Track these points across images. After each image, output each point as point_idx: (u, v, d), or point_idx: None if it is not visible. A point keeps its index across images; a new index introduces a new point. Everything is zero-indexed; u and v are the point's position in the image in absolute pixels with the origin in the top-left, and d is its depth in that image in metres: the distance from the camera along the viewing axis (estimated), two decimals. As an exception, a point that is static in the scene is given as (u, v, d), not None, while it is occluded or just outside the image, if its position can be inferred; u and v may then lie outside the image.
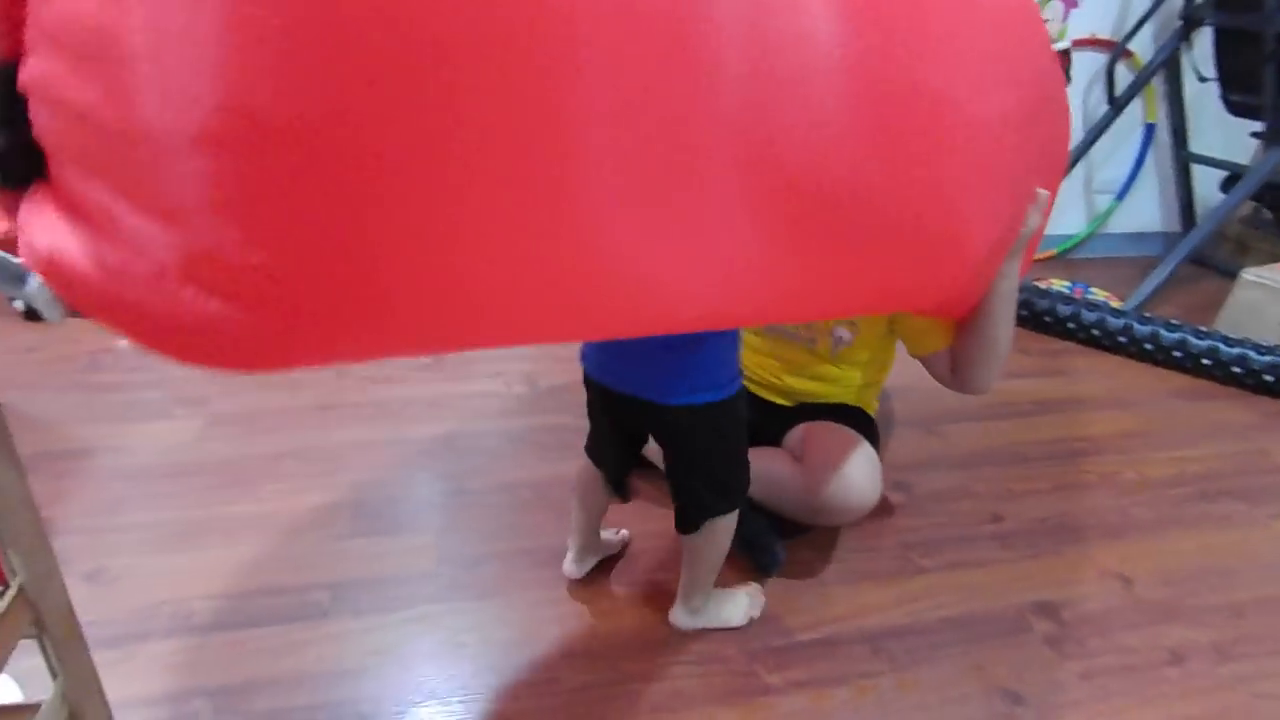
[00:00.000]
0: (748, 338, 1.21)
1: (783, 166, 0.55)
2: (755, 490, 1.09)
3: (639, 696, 0.87)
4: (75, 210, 0.44)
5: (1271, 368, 1.61)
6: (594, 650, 0.92)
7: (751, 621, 0.97)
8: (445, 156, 0.42)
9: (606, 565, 1.05)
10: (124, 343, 1.66)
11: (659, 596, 1.00)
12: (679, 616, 0.95)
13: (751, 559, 1.05)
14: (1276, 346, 1.64)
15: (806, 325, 1.11)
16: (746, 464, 0.88)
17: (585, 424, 0.94)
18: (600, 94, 0.44)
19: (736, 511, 0.89)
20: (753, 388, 1.20)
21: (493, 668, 0.89)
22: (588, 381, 0.87)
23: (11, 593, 0.55)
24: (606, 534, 1.06)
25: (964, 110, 0.65)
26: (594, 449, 0.95)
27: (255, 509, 1.13)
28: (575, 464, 0.97)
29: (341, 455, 1.26)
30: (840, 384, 1.14)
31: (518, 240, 0.47)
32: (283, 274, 0.42)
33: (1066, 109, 0.90)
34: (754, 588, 1.01)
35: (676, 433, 0.84)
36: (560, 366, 1.56)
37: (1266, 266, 1.86)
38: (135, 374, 1.46)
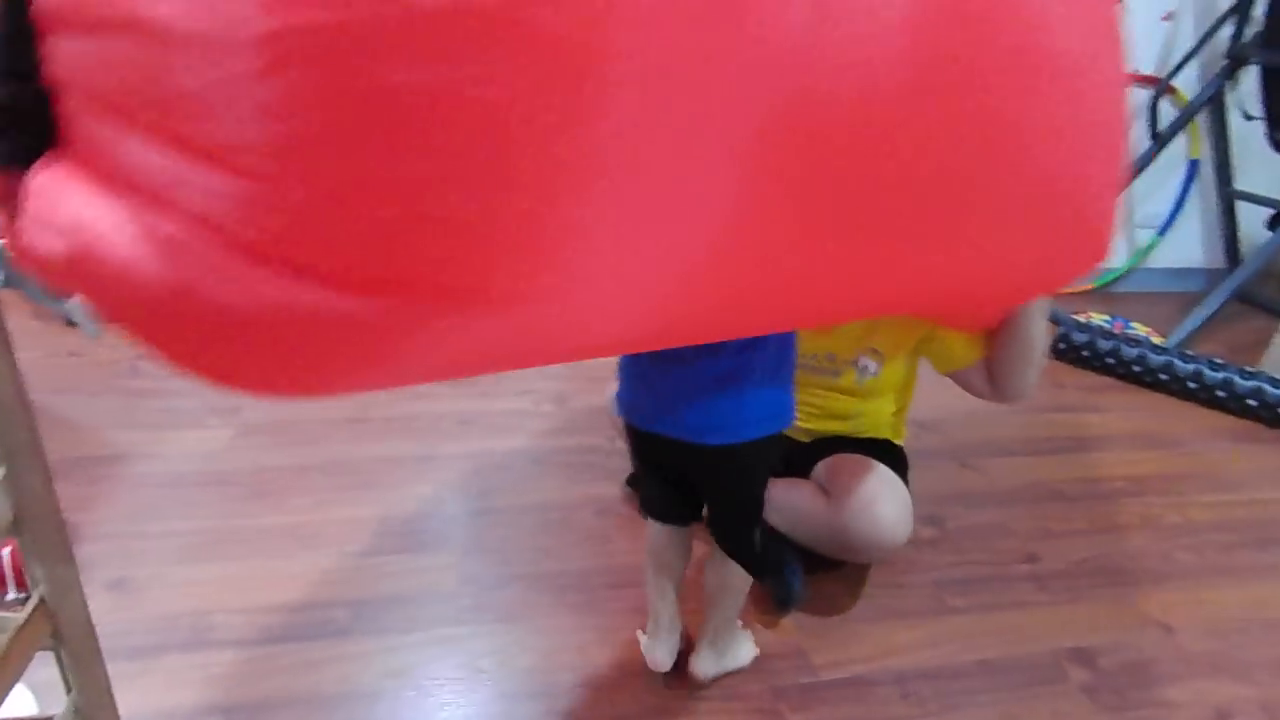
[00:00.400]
0: None
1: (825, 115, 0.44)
2: (781, 523, 1.07)
3: (659, 731, 0.85)
4: (113, 175, 0.34)
5: (1322, 411, 1.55)
6: (615, 681, 0.91)
7: (755, 659, 0.94)
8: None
9: (624, 595, 1.03)
10: (97, 335, 1.65)
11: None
12: (705, 664, 0.89)
13: (771, 592, 1.03)
14: (1328, 390, 1.58)
15: (829, 357, 1.08)
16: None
17: (615, 445, 0.92)
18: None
19: None
20: None
21: (511, 695, 0.88)
22: (629, 430, 0.80)
23: (33, 604, 0.55)
24: None
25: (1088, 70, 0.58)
26: (655, 501, 0.86)
27: (280, 521, 1.13)
28: (604, 486, 0.95)
29: (368, 470, 1.26)
30: (865, 419, 1.11)
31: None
32: (402, 238, 0.31)
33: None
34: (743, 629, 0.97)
35: (735, 469, 0.77)
36: (590, 386, 1.55)
37: (1316, 306, 1.80)
38: (173, 381, 1.48)
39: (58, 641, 0.58)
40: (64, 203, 0.35)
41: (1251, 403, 1.62)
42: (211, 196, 0.31)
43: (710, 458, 0.74)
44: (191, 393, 1.44)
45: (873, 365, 1.05)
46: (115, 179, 0.34)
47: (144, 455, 1.27)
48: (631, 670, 0.92)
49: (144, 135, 0.32)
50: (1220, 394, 1.66)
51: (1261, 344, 1.84)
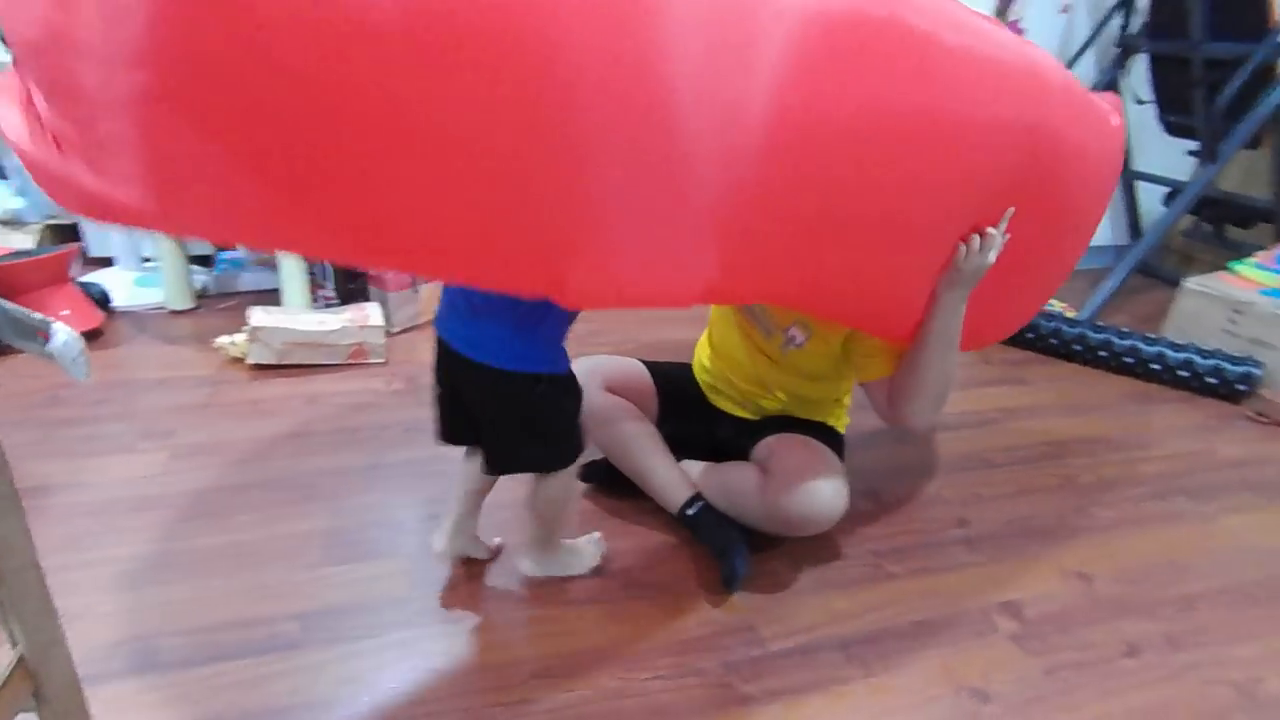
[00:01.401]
0: (708, 337, 1.23)
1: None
2: (724, 503, 1.11)
3: (617, 714, 0.87)
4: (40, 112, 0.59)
5: (1214, 371, 1.68)
6: (570, 669, 0.92)
7: (596, 571, 1.05)
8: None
9: (577, 584, 1.05)
10: (87, 377, 1.61)
11: (633, 615, 1.01)
12: (523, 563, 1.04)
13: (719, 571, 1.06)
14: (1218, 350, 1.72)
15: (766, 311, 1.12)
16: (576, 431, 0.93)
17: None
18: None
19: (572, 469, 0.94)
20: (714, 398, 1.22)
21: (467, 691, 0.89)
22: (437, 343, 0.90)
23: (11, 663, 0.51)
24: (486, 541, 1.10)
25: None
26: (449, 432, 0.98)
27: (222, 540, 1.11)
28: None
29: (313, 483, 1.25)
30: (785, 393, 1.15)
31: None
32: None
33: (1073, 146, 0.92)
34: (596, 536, 1.08)
35: (503, 399, 0.87)
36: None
37: (1207, 275, 1.95)
38: (98, 408, 1.43)
39: (40, 702, 0.54)
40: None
41: (1155, 367, 1.75)
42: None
43: (474, 374, 0.85)
44: (119, 418, 1.40)
45: (800, 337, 1.10)
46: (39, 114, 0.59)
47: (69, 485, 1.22)
48: (584, 659, 0.93)
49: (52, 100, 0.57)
50: (1128, 360, 1.78)
51: (1162, 313, 1.98)
